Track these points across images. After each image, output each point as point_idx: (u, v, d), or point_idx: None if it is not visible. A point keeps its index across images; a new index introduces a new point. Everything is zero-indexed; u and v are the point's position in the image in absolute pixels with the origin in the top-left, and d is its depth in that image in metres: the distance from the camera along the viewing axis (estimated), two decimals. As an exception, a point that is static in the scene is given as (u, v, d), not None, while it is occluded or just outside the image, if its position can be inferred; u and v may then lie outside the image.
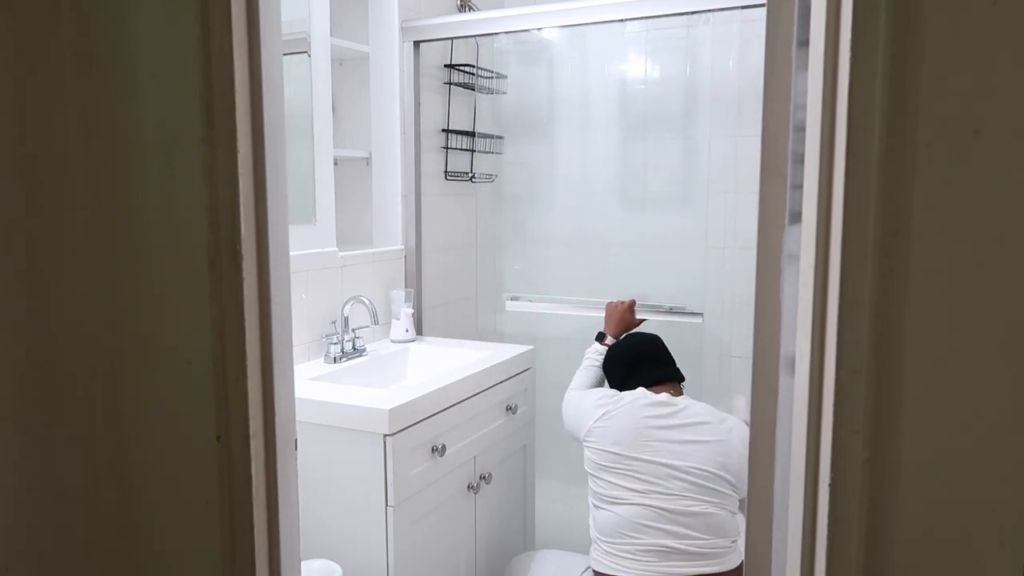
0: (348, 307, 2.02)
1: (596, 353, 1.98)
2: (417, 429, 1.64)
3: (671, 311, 2.20)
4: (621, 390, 1.82)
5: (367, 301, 2.01)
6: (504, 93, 2.77)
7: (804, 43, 0.56)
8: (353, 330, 2.05)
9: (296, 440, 0.78)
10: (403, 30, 2.29)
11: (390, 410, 1.55)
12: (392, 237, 2.37)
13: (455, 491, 1.81)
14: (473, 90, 2.68)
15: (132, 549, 0.77)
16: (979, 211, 0.51)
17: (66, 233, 0.74)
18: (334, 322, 2.03)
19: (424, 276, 2.42)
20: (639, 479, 1.65)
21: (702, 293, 2.45)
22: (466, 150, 2.66)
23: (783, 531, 0.60)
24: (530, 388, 2.17)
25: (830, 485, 0.56)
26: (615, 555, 1.66)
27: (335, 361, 1.96)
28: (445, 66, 2.53)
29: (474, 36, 2.48)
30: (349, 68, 2.33)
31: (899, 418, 0.54)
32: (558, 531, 2.41)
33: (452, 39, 2.45)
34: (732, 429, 1.68)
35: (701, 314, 2.23)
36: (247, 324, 0.70)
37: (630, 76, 2.66)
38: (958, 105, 0.51)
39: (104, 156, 0.72)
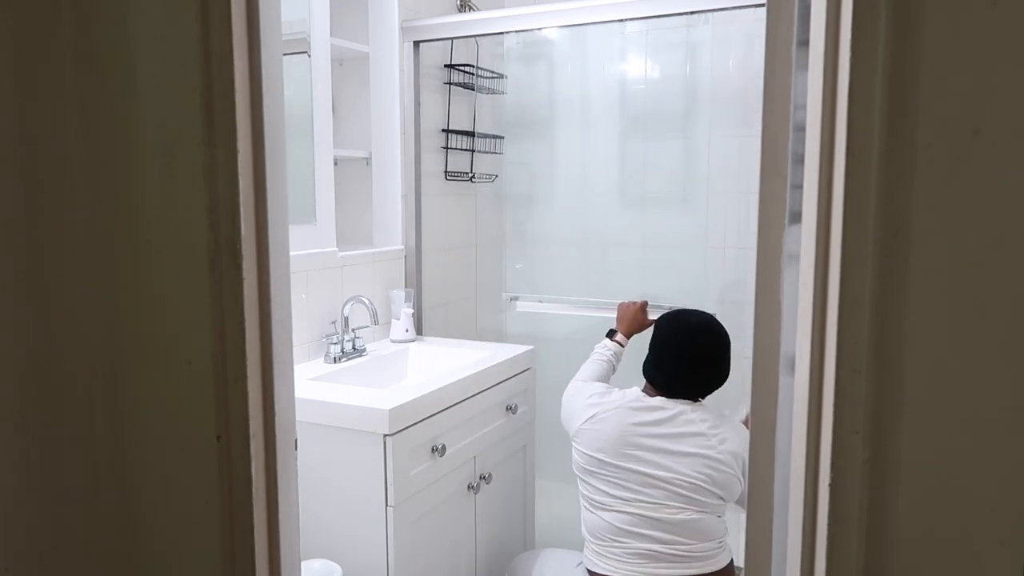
0: (348, 307, 2.02)
1: (605, 348, 1.96)
2: (417, 429, 1.64)
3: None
4: (646, 370, 1.74)
5: (367, 301, 2.01)
6: (504, 93, 2.77)
7: (804, 43, 0.56)
8: (353, 330, 2.05)
9: (296, 440, 0.78)
10: (403, 30, 2.29)
11: (390, 410, 1.55)
12: (392, 237, 2.37)
13: (455, 491, 1.81)
14: (473, 90, 2.68)
15: (132, 549, 0.77)
16: (979, 211, 0.51)
17: (66, 233, 0.74)
18: (334, 322, 2.03)
19: (424, 276, 2.42)
20: (623, 486, 1.63)
21: (702, 293, 2.45)
22: (466, 150, 2.66)
23: (783, 531, 0.60)
24: (530, 388, 2.17)
25: (830, 485, 0.56)
26: (605, 556, 1.66)
27: (335, 361, 1.96)
28: (445, 66, 2.53)
29: (474, 36, 2.48)
30: (349, 68, 2.33)
31: (899, 418, 0.54)
32: (558, 531, 2.40)
33: (452, 39, 2.45)
34: (725, 440, 1.62)
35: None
36: (247, 324, 0.70)
37: (630, 76, 2.66)
38: (958, 105, 0.51)
39: (104, 156, 0.73)
